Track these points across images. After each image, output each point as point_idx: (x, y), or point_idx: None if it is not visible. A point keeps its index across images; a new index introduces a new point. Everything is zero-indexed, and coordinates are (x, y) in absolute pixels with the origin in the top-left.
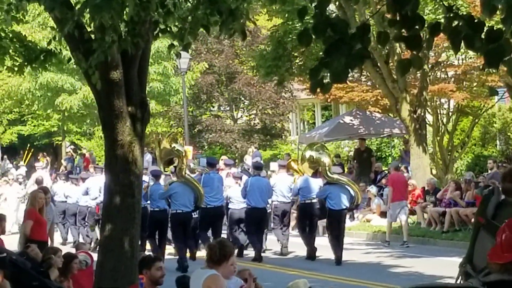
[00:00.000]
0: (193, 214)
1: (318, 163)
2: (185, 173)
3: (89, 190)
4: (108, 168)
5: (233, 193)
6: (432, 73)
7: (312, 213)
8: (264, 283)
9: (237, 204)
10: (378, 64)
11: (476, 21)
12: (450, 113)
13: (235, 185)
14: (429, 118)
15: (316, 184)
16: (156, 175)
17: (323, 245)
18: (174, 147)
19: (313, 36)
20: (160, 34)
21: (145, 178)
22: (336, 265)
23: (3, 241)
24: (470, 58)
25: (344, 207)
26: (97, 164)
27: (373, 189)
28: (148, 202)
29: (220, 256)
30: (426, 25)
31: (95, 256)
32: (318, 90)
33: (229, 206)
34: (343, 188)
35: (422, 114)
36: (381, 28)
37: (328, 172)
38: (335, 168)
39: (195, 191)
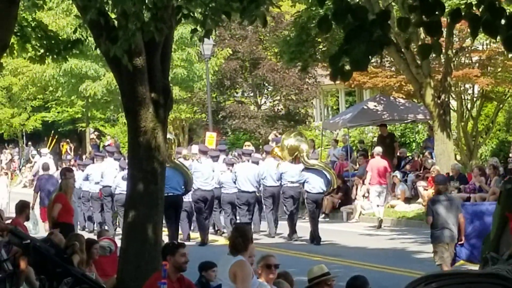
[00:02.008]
0: (183, 197)
1: (297, 150)
2: (174, 158)
3: (89, 176)
4: (131, 155)
5: (225, 179)
6: (456, 59)
7: (293, 196)
8: (288, 269)
9: (229, 189)
10: (402, 49)
11: (496, 6)
12: (475, 99)
13: (227, 171)
14: (453, 103)
15: (298, 169)
16: None
17: (345, 231)
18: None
19: (333, 23)
20: (182, 19)
21: None
22: (314, 245)
23: (27, 228)
24: (494, 43)
25: (322, 191)
26: (100, 151)
27: (397, 175)
28: None
29: (244, 241)
30: (446, 11)
31: (119, 242)
32: (339, 77)
33: (221, 191)
34: (320, 173)
35: (446, 99)
36: (404, 14)
37: (306, 158)
38: (312, 154)
39: (184, 176)
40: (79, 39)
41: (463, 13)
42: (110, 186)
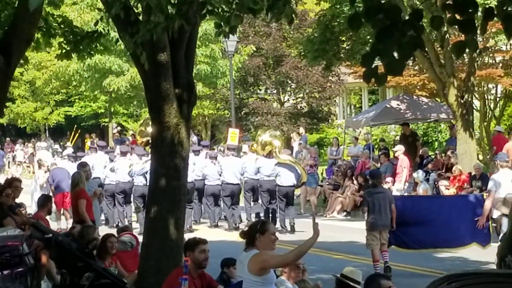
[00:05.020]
0: None
1: (270, 145)
2: None
3: None
4: (154, 150)
5: (209, 171)
6: (480, 58)
7: (269, 189)
8: (309, 266)
9: (212, 181)
10: (426, 48)
11: None
12: (498, 99)
13: (210, 164)
14: (476, 103)
15: (272, 164)
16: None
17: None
18: (147, 129)
19: (363, 21)
20: (207, 16)
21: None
22: (290, 233)
23: (48, 222)
24: None
25: (292, 184)
26: (92, 140)
27: (419, 174)
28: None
29: (261, 236)
30: (479, 9)
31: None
32: (373, 80)
33: (205, 183)
34: (291, 168)
35: (469, 99)
36: (429, 13)
37: (278, 154)
38: (284, 150)
39: None
40: (100, 32)
41: (495, 12)
42: (99, 178)
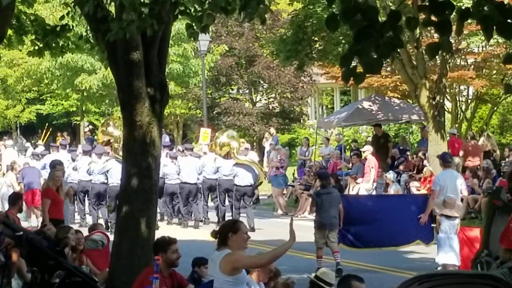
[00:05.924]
0: None
1: (228, 146)
2: (120, 151)
3: (46, 165)
4: (126, 149)
5: (169, 170)
6: (452, 60)
7: (228, 188)
8: (279, 266)
9: (172, 180)
10: (398, 49)
11: (507, 7)
12: (469, 101)
13: (170, 163)
14: (448, 105)
15: (231, 164)
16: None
17: None
18: (108, 129)
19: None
20: (179, 16)
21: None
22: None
23: (20, 219)
24: (490, 46)
25: (249, 184)
26: (63, 139)
27: (390, 175)
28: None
29: (233, 235)
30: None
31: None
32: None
33: (165, 182)
34: (249, 168)
35: (441, 101)
36: (403, 14)
37: (235, 154)
38: (242, 151)
39: None
40: (65, 27)
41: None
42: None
